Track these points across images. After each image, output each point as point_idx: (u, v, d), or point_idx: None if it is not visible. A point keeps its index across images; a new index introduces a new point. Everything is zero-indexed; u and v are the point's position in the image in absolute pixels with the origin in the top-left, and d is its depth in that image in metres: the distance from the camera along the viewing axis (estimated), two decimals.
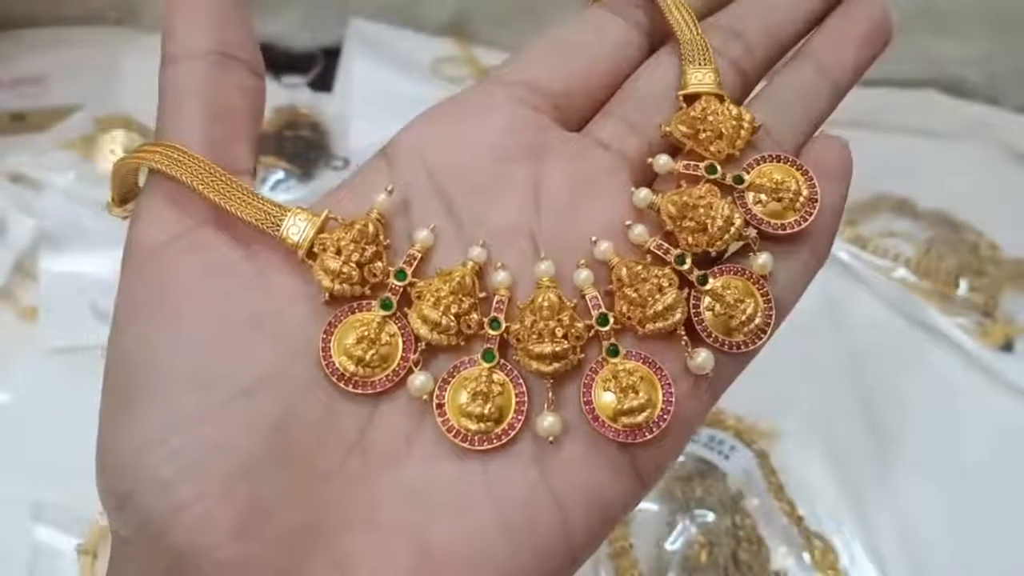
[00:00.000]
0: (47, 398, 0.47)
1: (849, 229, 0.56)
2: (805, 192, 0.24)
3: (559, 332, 0.22)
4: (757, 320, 0.23)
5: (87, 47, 0.61)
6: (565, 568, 0.22)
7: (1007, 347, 0.52)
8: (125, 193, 0.25)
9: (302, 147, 0.58)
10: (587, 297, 0.23)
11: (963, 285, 0.54)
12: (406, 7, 0.64)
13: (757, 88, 0.27)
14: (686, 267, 0.23)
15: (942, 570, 0.44)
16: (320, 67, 0.64)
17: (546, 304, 0.22)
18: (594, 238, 0.23)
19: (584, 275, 0.23)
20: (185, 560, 0.20)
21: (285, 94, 0.61)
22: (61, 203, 0.53)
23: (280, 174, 0.57)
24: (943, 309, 0.53)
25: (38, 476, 0.43)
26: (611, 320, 0.23)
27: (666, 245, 0.24)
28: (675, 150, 0.25)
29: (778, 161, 0.24)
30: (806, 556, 0.43)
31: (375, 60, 0.62)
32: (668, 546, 0.43)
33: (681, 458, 0.46)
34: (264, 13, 0.62)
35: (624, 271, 0.23)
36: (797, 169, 0.24)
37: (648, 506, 0.45)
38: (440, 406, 0.22)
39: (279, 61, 0.63)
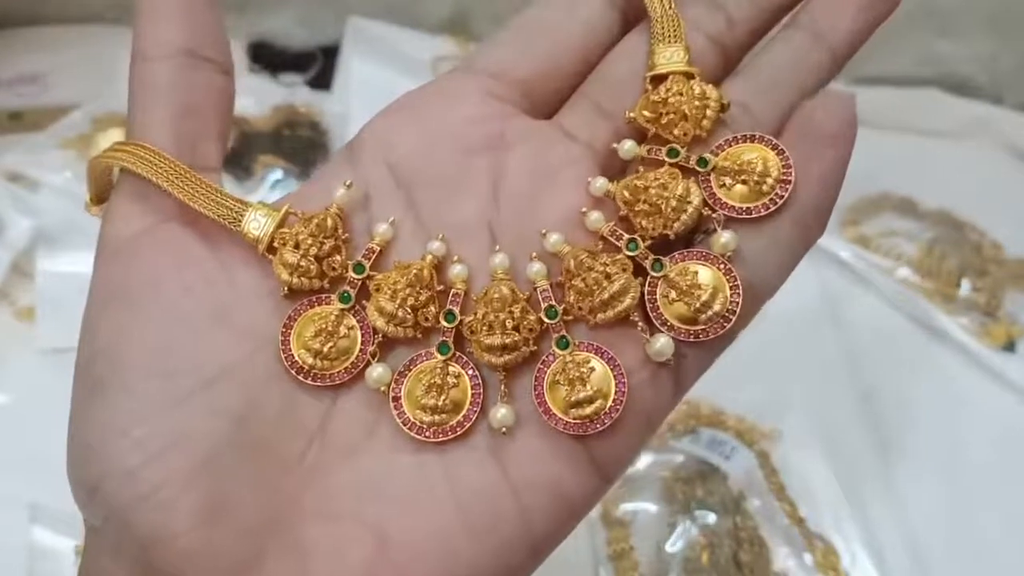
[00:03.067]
0: (44, 399, 0.46)
1: (851, 228, 0.56)
2: (774, 173, 0.22)
3: (510, 324, 0.22)
4: (716, 307, 0.22)
5: (85, 46, 0.61)
6: (526, 561, 0.22)
7: (1009, 347, 0.52)
8: (101, 192, 0.25)
9: (301, 146, 0.58)
10: (538, 290, 0.23)
11: (965, 285, 0.54)
12: (405, 5, 0.63)
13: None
14: (638, 252, 0.22)
15: (943, 570, 0.44)
16: (319, 66, 0.63)
17: (497, 296, 0.22)
18: (543, 230, 0.23)
19: (536, 268, 0.23)
20: (149, 550, 0.20)
21: (283, 93, 0.61)
22: (58, 202, 0.52)
23: (279, 173, 0.57)
24: (945, 309, 0.53)
25: (36, 477, 0.42)
26: (559, 312, 0.22)
27: (619, 231, 0.23)
28: (646, 136, 0.24)
29: (751, 141, 0.23)
30: (807, 557, 0.43)
31: (374, 59, 0.61)
32: (669, 547, 0.43)
33: (681, 459, 0.46)
34: (262, 11, 0.62)
35: (572, 262, 0.22)
36: (772, 149, 0.22)
37: (649, 507, 0.44)
38: (396, 399, 0.22)
39: (277, 60, 0.63)
